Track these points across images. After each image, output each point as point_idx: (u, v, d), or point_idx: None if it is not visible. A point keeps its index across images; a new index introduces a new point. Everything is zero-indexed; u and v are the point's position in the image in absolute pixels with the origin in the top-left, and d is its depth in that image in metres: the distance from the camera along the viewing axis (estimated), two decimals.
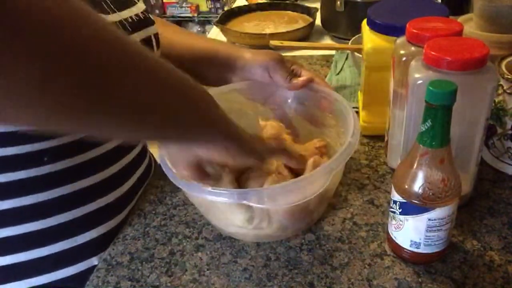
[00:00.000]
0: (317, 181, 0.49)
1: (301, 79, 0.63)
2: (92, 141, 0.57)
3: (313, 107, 0.65)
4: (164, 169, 0.52)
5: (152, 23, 0.63)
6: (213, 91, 0.67)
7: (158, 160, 0.54)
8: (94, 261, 0.59)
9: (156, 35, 0.64)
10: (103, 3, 0.54)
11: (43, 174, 0.53)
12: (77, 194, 0.56)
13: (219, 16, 1.27)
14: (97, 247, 0.59)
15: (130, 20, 0.58)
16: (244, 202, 0.47)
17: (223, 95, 0.65)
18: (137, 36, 0.59)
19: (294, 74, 0.63)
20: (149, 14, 0.64)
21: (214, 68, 0.67)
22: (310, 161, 0.55)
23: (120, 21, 0.56)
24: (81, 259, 0.59)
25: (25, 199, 0.53)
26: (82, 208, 0.57)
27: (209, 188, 0.48)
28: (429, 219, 0.47)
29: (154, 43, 0.63)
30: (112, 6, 0.56)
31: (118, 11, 0.57)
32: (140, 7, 0.62)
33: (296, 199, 0.49)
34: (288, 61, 0.64)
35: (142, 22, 0.61)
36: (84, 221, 0.58)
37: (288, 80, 0.62)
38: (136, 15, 0.60)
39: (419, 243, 0.49)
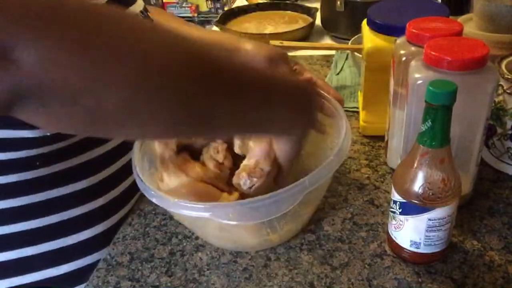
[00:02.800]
0: (289, 198, 0.45)
1: (303, 77, 0.62)
2: (86, 145, 0.57)
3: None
4: (136, 181, 0.50)
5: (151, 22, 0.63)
6: None
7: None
8: (87, 260, 0.59)
9: None
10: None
11: (37, 177, 0.53)
12: (72, 195, 0.56)
13: (219, 16, 1.27)
14: (91, 247, 0.59)
15: None
16: (210, 216, 0.44)
17: None
18: None
19: (297, 73, 0.63)
20: (147, 12, 0.64)
21: None
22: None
23: None
24: (75, 259, 0.59)
25: (20, 200, 0.53)
26: (77, 209, 0.57)
27: (177, 201, 0.45)
28: (429, 219, 0.47)
29: None
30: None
31: None
32: (139, 4, 0.62)
33: (265, 216, 0.46)
34: (292, 60, 0.64)
35: None
36: (79, 222, 0.58)
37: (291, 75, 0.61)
38: (136, 15, 0.60)
39: (419, 243, 0.49)
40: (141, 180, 0.49)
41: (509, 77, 0.57)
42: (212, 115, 0.37)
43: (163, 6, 3.36)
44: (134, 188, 0.65)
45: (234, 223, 0.47)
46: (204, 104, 0.36)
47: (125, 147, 0.65)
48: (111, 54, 0.29)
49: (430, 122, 0.42)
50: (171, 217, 0.61)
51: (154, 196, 0.47)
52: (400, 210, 0.48)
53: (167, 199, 0.46)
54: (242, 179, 0.49)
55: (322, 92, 0.61)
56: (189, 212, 0.45)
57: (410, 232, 0.49)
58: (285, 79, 0.47)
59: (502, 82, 0.58)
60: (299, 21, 1.24)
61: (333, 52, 1.02)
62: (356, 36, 0.90)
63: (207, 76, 0.35)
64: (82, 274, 0.57)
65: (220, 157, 0.52)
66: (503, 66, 0.60)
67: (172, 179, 0.50)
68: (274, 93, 0.43)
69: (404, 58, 0.55)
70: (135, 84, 0.31)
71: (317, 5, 1.20)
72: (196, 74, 0.34)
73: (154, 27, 0.36)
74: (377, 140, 0.72)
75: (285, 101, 0.44)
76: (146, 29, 0.33)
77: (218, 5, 3.31)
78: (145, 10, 0.63)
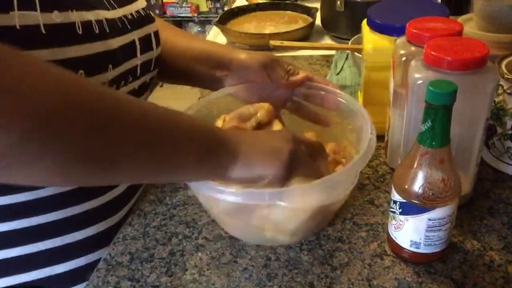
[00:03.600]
0: (347, 180, 0.49)
1: (299, 76, 0.63)
2: None
3: (315, 105, 0.64)
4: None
5: (152, 20, 0.63)
6: (207, 98, 0.67)
7: None
8: (87, 259, 0.59)
9: (156, 33, 0.64)
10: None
11: None
12: (72, 193, 0.56)
13: (219, 16, 1.27)
14: (91, 246, 0.59)
15: (130, 16, 0.58)
16: (279, 202, 0.45)
17: (217, 100, 0.65)
18: (136, 34, 0.58)
19: (291, 74, 0.63)
20: (150, 11, 0.64)
21: (210, 68, 0.67)
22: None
23: (120, 18, 0.56)
24: (74, 257, 0.59)
25: (19, 197, 0.53)
26: (78, 207, 0.57)
27: (243, 190, 0.46)
28: (429, 219, 0.47)
29: (154, 41, 0.63)
30: (112, 2, 0.56)
31: (119, 7, 0.57)
32: (141, 3, 0.62)
33: (325, 198, 0.49)
34: (285, 62, 0.64)
35: (142, 19, 0.61)
36: (79, 220, 0.58)
37: (285, 78, 0.62)
38: (137, 11, 0.60)
39: (419, 243, 0.49)
40: None
41: (509, 77, 0.57)
42: (107, 163, 0.38)
43: (163, 6, 3.36)
44: (135, 187, 0.65)
45: (298, 206, 0.48)
46: (97, 152, 0.36)
47: None
48: None
49: (430, 122, 0.42)
50: (171, 217, 0.61)
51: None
52: (400, 210, 0.48)
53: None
54: None
55: (322, 85, 0.62)
56: (255, 201, 0.46)
57: (410, 232, 0.49)
58: (200, 129, 0.46)
59: (502, 82, 0.58)
60: (299, 21, 1.24)
61: (333, 52, 1.02)
62: (356, 36, 0.90)
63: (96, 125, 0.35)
64: (82, 273, 0.57)
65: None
66: (503, 66, 0.60)
67: None
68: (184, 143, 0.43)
69: (404, 58, 0.55)
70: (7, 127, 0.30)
71: (317, 5, 1.20)
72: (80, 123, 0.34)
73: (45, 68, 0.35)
74: (377, 140, 0.71)
75: (194, 151, 0.44)
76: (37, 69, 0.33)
77: (218, 5, 3.30)
78: (147, 8, 0.63)
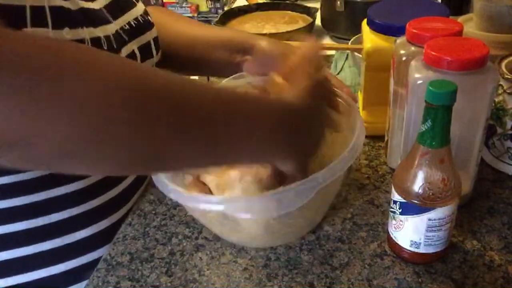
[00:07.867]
0: (301, 194, 0.45)
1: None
2: None
3: (331, 110, 0.63)
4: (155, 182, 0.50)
5: (151, 26, 0.63)
6: (225, 84, 0.65)
7: None
8: (86, 259, 0.59)
9: (156, 39, 0.63)
10: (100, 13, 0.54)
11: (35, 177, 0.53)
12: (71, 195, 0.56)
13: (219, 16, 1.27)
14: (90, 246, 0.59)
15: (127, 26, 0.57)
16: (222, 209, 0.45)
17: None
18: (134, 44, 0.58)
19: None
20: (149, 17, 0.64)
21: (231, 53, 0.65)
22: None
23: (117, 31, 0.55)
24: (73, 257, 0.59)
25: (19, 199, 0.53)
26: (76, 208, 0.57)
27: (193, 195, 0.47)
28: (429, 219, 0.47)
29: (154, 48, 0.62)
30: (110, 14, 0.55)
31: (116, 18, 0.56)
32: (140, 8, 0.62)
33: (278, 211, 0.46)
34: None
35: (140, 27, 0.60)
36: (78, 220, 0.58)
37: None
38: (135, 19, 0.59)
39: (419, 243, 0.49)
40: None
41: (509, 77, 0.57)
42: (158, 154, 0.35)
43: (163, 6, 3.36)
44: (133, 187, 0.65)
45: (248, 216, 0.47)
46: (150, 143, 0.33)
47: None
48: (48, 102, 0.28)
49: (430, 122, 0.42)
50: (171, 217, 0.61)
51: (171, 191, 0.48)
52: (400, 210, 0.48)
53: (182, 193, 0.47)
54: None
55: (335, 89, 0.61)
56: (204, 205, 0.46)
57: (410, 232, 0.49)
58: (260, 103, 0.43)
59: (502, 82, 0.58)
60: (299, 21, 1.24)
61: (333, 52, 1.02)
62: (356, 36, 0.90)
63: (150, 114, 0.32)
64: (81, 272, 0.57)
65: None
66: (503, 66, 0.60)
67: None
68: (239, 123, 0.39)
69: (404, 58, 0.55)
70: (68, 127, 0.29)
71: (317, 5, 1.20)
72: (136, 115, 0.32)
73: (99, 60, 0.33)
74: (377, 140, 0.72)
75: (254, 130, 0.40)
76: (90, 64, 0.31)
77: (218, 5, 3.30)
78: (145, 14, 0.63)
